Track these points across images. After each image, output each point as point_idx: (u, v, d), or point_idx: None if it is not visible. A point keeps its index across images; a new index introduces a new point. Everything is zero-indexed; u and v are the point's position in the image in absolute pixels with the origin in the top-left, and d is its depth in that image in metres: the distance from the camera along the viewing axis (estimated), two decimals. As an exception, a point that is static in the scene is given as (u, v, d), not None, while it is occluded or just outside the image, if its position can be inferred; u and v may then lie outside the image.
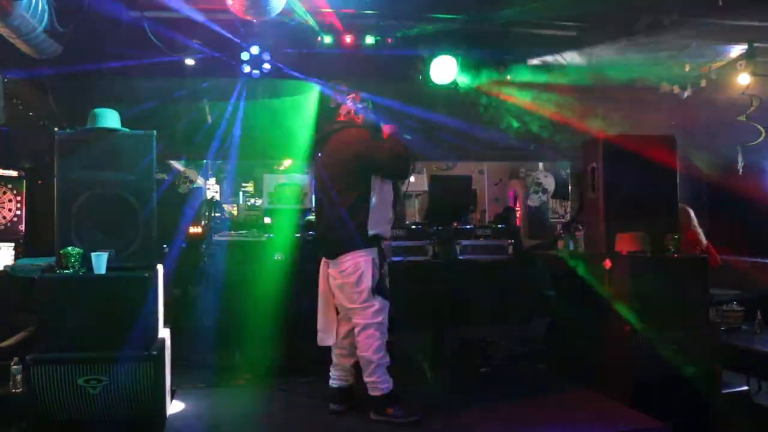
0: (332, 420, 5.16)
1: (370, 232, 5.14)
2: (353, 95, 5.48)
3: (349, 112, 5.44)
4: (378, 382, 5.11)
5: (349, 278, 5.11)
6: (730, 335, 6.41)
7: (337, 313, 5.35)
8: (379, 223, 5.18)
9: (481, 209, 11.74)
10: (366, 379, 5.16)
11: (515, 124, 10.09)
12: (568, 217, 12.15)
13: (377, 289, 5.11)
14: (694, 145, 10.42)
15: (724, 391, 5.74)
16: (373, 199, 5.17)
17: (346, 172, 5.22)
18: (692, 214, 8.01)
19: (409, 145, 5.36)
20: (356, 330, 5.16)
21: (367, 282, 5.08)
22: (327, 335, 5.38)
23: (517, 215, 12.72)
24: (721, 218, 10.48)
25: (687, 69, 8.87)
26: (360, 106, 5.45)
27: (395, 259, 6.96)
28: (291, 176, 7.44)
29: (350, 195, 5.17)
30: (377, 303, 5.11)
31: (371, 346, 5.10)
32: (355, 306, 5.13)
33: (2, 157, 7.59)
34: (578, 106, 10.03)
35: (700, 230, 8.23)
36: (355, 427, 5.07)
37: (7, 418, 5.25)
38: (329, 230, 5.25)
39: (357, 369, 5.34)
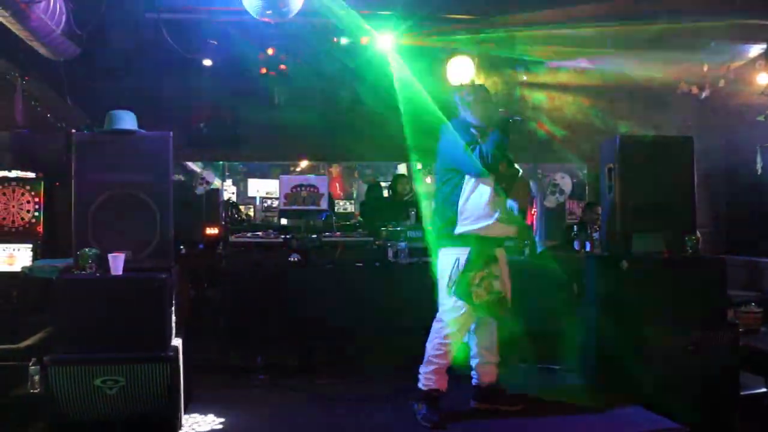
0: (348, 421, 5.16)
1: (458, 231, 5.07)
2: (463, 87, 5.40)
3: (456, 106, 5.33)
4: (424, 378, 5.15)
5: (440, 273, 5.16)
6: (748, 336, 6.35)
7: None
8: (472, 220, 5.05)
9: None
10: (420, 369, 5.21)
11: (532, 124, 10.09)
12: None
13: (455, 291, 5.05)
14: (713, 145, 10.38)
15: (742, 393, 5.69)
16: (464, 196, 5.07)
17: (441, 168, 5.24)
18: None
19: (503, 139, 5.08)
20: None
21: (444, 280, 5.09)
22: None
23: (530, 216, 12.67)
24: (740, 219, 10.43)
25: (705, 69, 8.83)
26: (468, 98, 5.25)
27: (412, 260, 6.96)
28: (307, 177, 7.43)
29: (442, 192, 5.20)
30: (449, 303, 5.09)
31: (432, 340, 5.16)
32: (439, 298, 5.19)
33: (21, 159, 7.63)
34: (596, 107, 10.03)
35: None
36: (374, 428, 5.07)
37: (24, 418, 5.28)
38: (431, 224, 5.32)
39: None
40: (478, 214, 5.05)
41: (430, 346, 5.15)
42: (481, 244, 5.06)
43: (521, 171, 5.44)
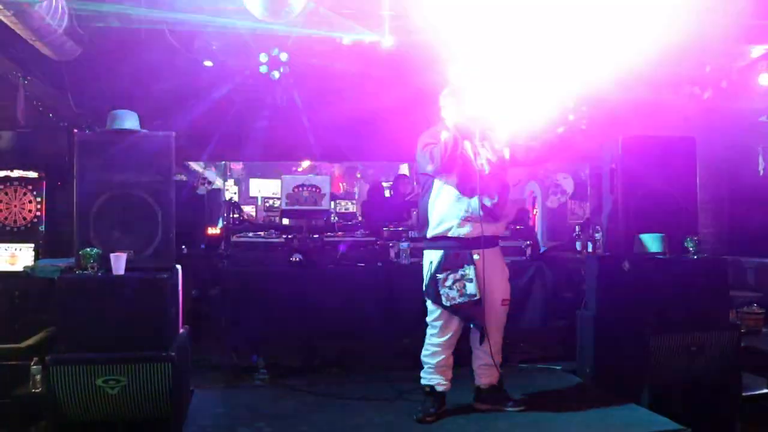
0: (349, 421, 5.14)
1: (430, 234, 5.16)
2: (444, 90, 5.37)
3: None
4: (421, 374, 5.23)
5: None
6: (750, 337, 6.35)
7: None
8: (440, 222, 5.10)
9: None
10: None
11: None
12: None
13: (426, 292, 5.15)
14: (715, 146, 10.37)
15: (744, 394, 5.69)
16: (433, 199, 5.14)
17: (419, 173, 5.38)
18: None
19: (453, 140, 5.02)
20: None
21: (423, 283, 5.18)
22: None
23: (531, 216, 12.69)
24: (742, 220, 10.42)
25: (708, 69, 8.81)
26: (445, 100, 5.29)
27: (413, 260, 6.96)
28: (309, 177, 7.43)
29: (421, 195, 5.30)
30: (428, 305, 5.18)
31: (424, 343, 5.25)
32: None
33: (23, 159, 7.64)
34: (598, 106, 10.01)
35: None
36: (375, 427, 5.06)
37: (26, 417, 5.28)
38: None
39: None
40: (446, 216, 5.09)
41: (423, 348, 5.23)
42: (454, 246, 5.08)
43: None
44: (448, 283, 5.01)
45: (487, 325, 5.14)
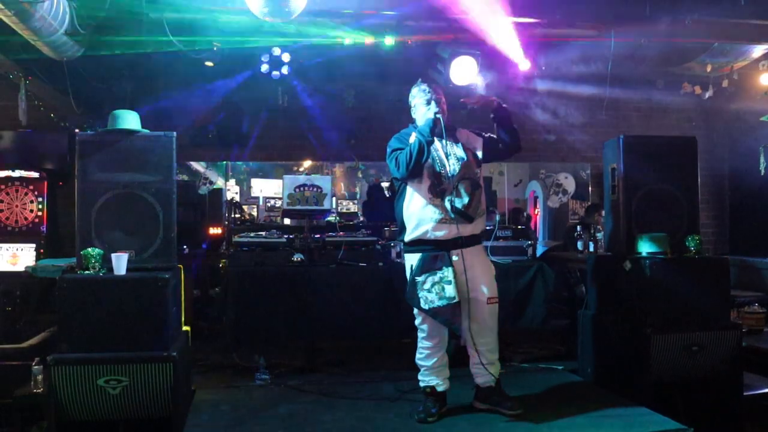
0: (352, 420, 5.14)
1: (407, 238, 5.12)
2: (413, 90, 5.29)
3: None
4: (419, 376, 5.23)
5: None
6: (751, 337, 6.35)
7: None
8: (415, 225, 5.07)
9: (501, 211, 11.70)
10: None
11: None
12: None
13: (407, 296, 5.09)
14: (716, 145, 10.38)
15: (745, 394, 5.68)
16: (406, 203, 5.11)
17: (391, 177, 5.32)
18: None
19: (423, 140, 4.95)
20: None
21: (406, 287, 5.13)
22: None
23: (533, 216, 12.68)
24: (743, 219, 10.43)
25: (709, 69, 8.81)
26: (414, 101, 5.26)
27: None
28: (311, 177, 7.43)
29: (396, 200, 5.25)
30: (414, 309, 5.13)
31: (417, 347, 5.24)
32: None
33: (24, 159, 7.65)
34: (599, 106, 10.01)
35: None
36: (377, 428, 5.06)
37: (28, 417, 5.29)
38: None
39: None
40: (421, 220, 5.04)
41: (417, 350, 5.24)
42: (431, 249, 5.04)
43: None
44: (427, 286, 4.95)
45: (477, 326, 5.14)
